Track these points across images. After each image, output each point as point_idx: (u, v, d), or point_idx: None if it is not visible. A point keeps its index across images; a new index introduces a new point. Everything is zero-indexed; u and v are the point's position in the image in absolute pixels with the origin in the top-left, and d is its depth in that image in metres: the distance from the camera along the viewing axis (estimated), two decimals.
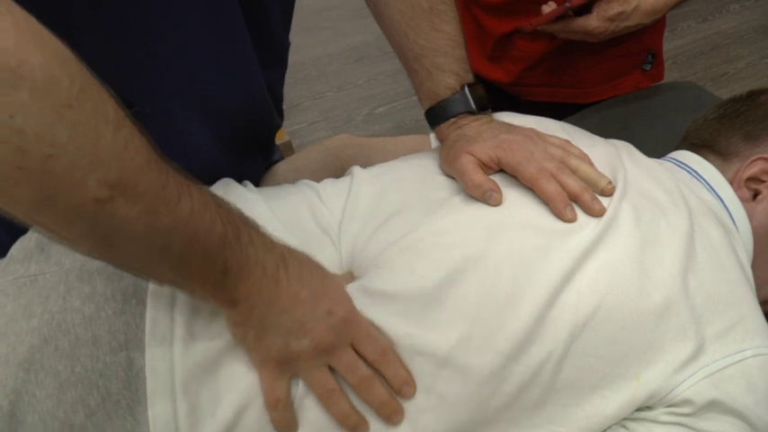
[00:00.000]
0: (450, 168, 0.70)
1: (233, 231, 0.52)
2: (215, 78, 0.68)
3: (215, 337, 0.57)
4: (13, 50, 0.38)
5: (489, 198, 0.64)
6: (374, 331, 0.59)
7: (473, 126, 0.72)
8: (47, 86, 0.39)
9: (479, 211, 0.65)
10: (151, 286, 0.59)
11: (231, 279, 0.52)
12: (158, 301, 0.58)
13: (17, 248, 0.66)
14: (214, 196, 0.53)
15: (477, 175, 0.66)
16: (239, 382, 0.56)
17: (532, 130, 0.72)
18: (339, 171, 0.80)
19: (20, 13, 0.40)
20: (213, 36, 0.65)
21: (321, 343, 0.56)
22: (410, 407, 0.58)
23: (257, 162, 0.85)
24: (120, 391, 0.55)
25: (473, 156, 0.67)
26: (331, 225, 0.68)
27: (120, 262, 0.50)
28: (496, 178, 0.67)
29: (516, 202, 0.65)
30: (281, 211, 0.68)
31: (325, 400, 0.57)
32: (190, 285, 0.53)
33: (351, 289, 0.61)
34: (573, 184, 0.64)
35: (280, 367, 0.56)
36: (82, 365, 0.55)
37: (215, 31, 0.65)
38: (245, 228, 0.54)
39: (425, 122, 0.77)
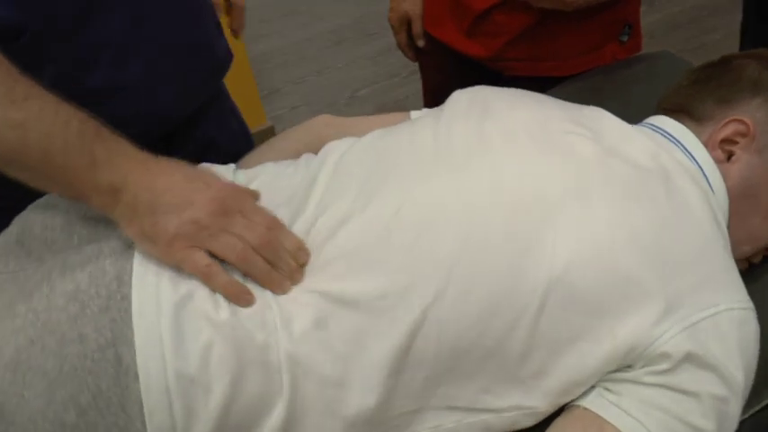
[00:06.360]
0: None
1: (93, 128, 0.58)
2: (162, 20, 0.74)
3: (203, 327, 0.58)
4: None
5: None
6: (258, 205, 0.63)
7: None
8: None
9: (469, 164, 0.67)
10: (134, 280, 0.59)
11: (102, 169, 0.58)
12: (143, 293, 0.58)
13: None
14: (71, 104, 0.58)
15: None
16: (229, 365, 0.57)
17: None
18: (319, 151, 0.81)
19: None
20: None
21: (210, 207, 0.59)
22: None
23: (210, 112, 0.91)
24: (111, 388, 0.55)
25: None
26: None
27: None
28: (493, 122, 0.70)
29: (497, 159, 0.67)
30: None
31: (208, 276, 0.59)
32: (67, 180, 0.58)
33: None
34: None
35: (188, 242, 0.59)
36: (70, 364, 0.55)
37: None
38: (105, 127, 0.59)
39: (407, 102, 0.78)
